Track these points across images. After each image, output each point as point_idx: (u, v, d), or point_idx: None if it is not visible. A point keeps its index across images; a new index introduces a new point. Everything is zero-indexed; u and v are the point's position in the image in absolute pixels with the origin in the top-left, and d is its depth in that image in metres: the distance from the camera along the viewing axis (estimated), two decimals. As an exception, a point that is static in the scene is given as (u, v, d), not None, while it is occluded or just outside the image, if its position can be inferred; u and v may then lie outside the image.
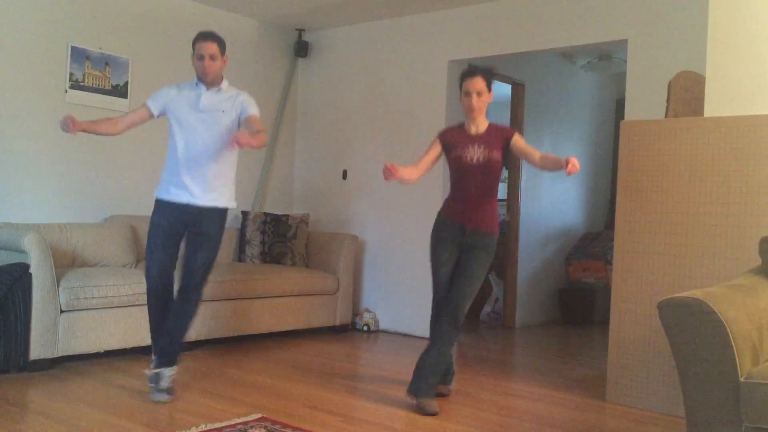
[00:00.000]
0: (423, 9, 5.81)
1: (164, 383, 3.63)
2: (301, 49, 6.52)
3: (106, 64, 5.24)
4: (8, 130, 4.79)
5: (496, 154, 3.75)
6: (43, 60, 4.92)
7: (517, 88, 6.61)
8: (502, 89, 6.96)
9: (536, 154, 3.73)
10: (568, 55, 6.89)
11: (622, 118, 4.74)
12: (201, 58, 3.74)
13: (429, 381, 3.69)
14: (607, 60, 6.83)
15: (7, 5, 4.77)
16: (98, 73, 5.20)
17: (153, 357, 3.74)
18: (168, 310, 3.78)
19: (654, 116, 4.35)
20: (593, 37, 5.06)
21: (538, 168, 3.78)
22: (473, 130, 3.82)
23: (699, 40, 4.07)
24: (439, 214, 3.92)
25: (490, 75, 3.84)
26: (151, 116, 3.84)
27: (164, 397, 3.61)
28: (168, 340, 3.73)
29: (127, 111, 3.85)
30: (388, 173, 3.59)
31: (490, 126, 3.85)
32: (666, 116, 4.00)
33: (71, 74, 5.05)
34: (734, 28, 3.68)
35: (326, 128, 6.54)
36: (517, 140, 3.80)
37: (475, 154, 3.77)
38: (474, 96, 3.76)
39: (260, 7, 5.95)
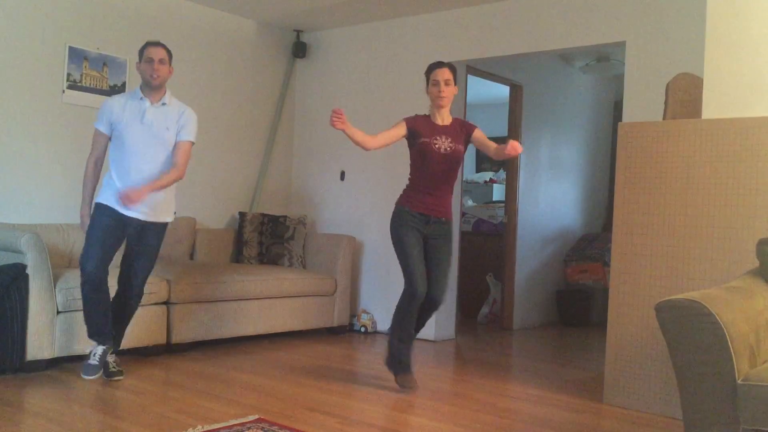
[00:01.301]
0: (421, 11, 5.81)
1: (97, 360, 3.83)
2: (299, 50, 6.52)
3: (104, 64, 5.23)
4: (5, 131, 4.79)
5: (460, 146, 3.97)
6: (40, 60, 4.92)
7: (516, 90, 6.61)
8: (501, 91, 6.98)
9: (492, 145, 3.96)
10: (566, 56, 6.90)
11: (620, 119, 4.74)
12: (149, 61, 3.84)
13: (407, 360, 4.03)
14: (605, 62, 6.83)
15: (5, 5, 4.76)
16: (96, 73, 5.19)
17: (95, 341, 3.90)
18: (105, 301, 3.91)
19: (652, 118, 4.35)
20: (591, 39, 5.06)
21: (493, 157, 3.99)
22: (439, 121, 4.01)
23: (697, 42, 4.08)
24: (401, 206, 4.03)
25: (455, 69, 4.05)
26: (107, 138, 3.93)
27: (95, 373, 3.81)
28: (117, 331, 4.04)
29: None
30: (337, 118, 3.71)
31: (455, 120, 4.05)
32: (664, 118, 4.01)
33: (69, 74, 5.04)
34: (732, 30, 3.68)
35: (324, 129, 6.53)
36: (478, 133, 4.03)
37: (443, 144, 3.93)
38: (442, 84, 3.95)
39: (258, 8, 5.94)
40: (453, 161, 3.96)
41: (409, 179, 4.08)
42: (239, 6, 5.89)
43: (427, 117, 4.06)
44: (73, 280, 4.28)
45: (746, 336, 2.40)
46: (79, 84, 5.09)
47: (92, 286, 3.83)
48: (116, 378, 3.96)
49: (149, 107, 3.86)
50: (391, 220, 4.06)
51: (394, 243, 4.03)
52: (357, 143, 3.93)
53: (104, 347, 3.88)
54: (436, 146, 3.92)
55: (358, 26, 6.28)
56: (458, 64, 5.81)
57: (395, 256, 6.07)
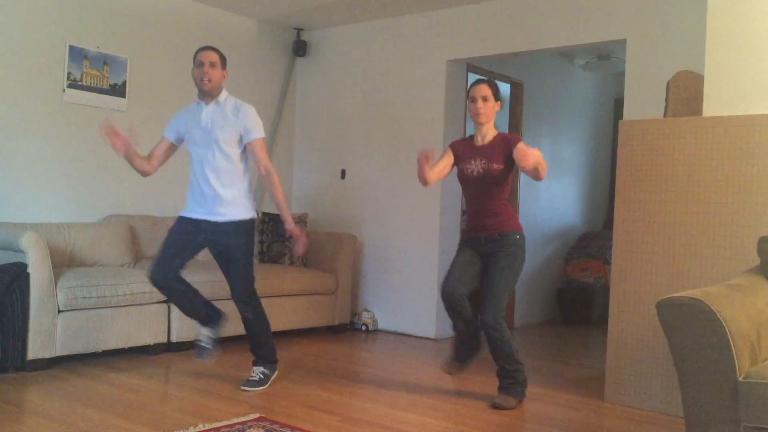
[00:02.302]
0: (422, 8, 5.80)
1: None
2: (300, 48, 6.51)
3: (105, 63, 5.23)
4: (6, 130, 4.78)
5: (497, 165, 3.73)
6: (41, 59, 4.92)
7: (516, 88, 6.61)
8: (501, 88, 6.95)
9: None
10: (566, 54, 6.89)
11: (621, 117, 4.74)
12: (200, 64, 3.78)
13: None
14: (605, 59, 6.83)
15: (6, 4, 4.76)
16: (96, 72, 5.19)
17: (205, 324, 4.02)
18: (181, 295, 3.96)
19: (652, 116, 4.35)
20: (592, 37, 5.06)
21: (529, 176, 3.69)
22: (479, 140, 3.85)
23: (698, 39, 4.07)
24: (462, 233, 3.99)
25: (496, 85, 3.90)
26: (171, 145, 3.95)
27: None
28: (253, 347, 4.13)
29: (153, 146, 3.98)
30: (424, 160, 3.63)
31: (497, 136, 3.84)
32: (665, 116, 4.00)
33: (69, 73, 5.04)
34: (733, 27, 3.68)
35: (325, 128, 6.54)
36: (519, 146, 3.64)
37: (475, 167, 3.80)
38: (479, 101, 3.78)
39: (258, 7, 5.94)
40: (485, 182, 3.77)
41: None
42: (240, 4, 5.89)
43: (470, 139, 3.92)
44: (73, 279, 4.28)
45: (747, 333, 2.40)
46: (79, 83, 5.09)
47: (156, 285, 3.89)
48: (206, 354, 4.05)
49: (204, 109, 3.83)
50: None
51: None
52: (424, 180, 3.77)
53: (208, 327, 4.00)
54: (468, 170, 3.80)
55: (359, 24, 6.28)
56: (459, 63, 5.82)
57: (396, 254, 6.11)
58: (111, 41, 5.28)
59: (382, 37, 6.15)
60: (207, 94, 3.82)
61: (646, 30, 4.76)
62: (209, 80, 3.77)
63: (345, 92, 6.39)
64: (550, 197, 6.99)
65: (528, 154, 3.43)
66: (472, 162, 3.81)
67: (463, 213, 4.05)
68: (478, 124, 3.84)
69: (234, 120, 3.80)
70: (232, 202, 3.83)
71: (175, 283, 3.87)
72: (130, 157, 3.81)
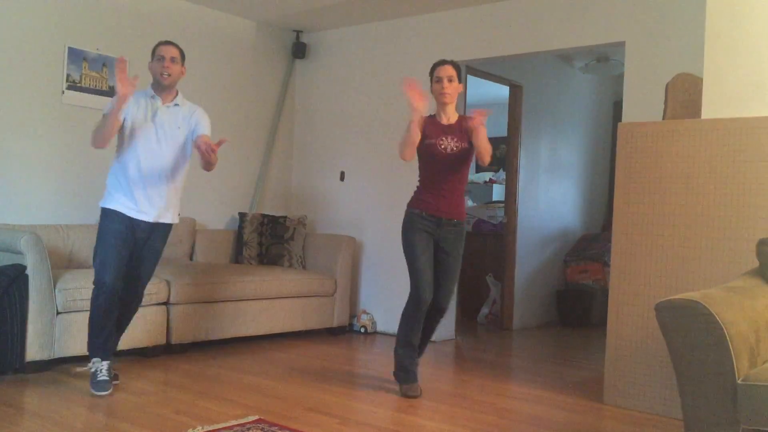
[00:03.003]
0: (421, 11, 5.80)
1: (106, 375, 3.73)
2: (299, 50, 6.52)
3: (104, 65, 5.23)
4: (5, 131, 4.78)
5: (466, 145, 3.88)
6: (40, 61, 4.92)
7: (515, 90, 6.61)
8: (500, 91, 6.97)
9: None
10: (566, 56, 6.90)
11: (620, 119, 4.74)
12: (160, 59, 3.78)
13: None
14: (604, 62, 6.83)
15: (5, 6, 4.76)
16: (95, 74, 5.19)
17: (99, 357, 3.74)
18: (115, 314, 3.82)
19: (652, 118, 4.35)
20: (591, 39, 5.06)
21: (478, 150, 3.81)
22: (444, 120, 3.94)
23: (697, 42, 4.07)
24: (412, 208, 3.99)
25: (459, 67, 3.99)
26: (121, 124, 3.75)
27: (108, 388, 3.70)
28: (115, 340, 3.96)
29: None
30: (412, 89, 3.68)
31: (460, 117, 3.97)
32: (664, 118, 4.01)
33: (68, 75, 5.04)
34: (732, 30, 3.68)
35: (324, 130, 6.54)
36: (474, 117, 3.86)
37: (448, 144, 3.87)
38: (445, 81, 3.89)
39: (258, 9, 5.94)
40: (460, 161, 3.89)
41: (419, 181, 4.02)
42: (239, 6, 5.89)
43: (432, 117, 3.98)
44: (72, 281, 4.28)
45: (746, 336, 2.40)
46: (78, 85, 5.09)
47: (108, 298, 3.71)
48: (115, 382, 3.85)
49: (161, 107, 3.80)
50: (403, 223, 4.00)
51: (403, 247, 3.97)
52: (406, 146, 3.83)
53: (108, 362, 3.75)
54: (442, 146, 3.86)
55: (358, 26, 6.28)
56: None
57: (395, 256, 6.09)
58: (110, 43, 5.28)
59: (381, 39, 6.15)
60: (164, 89, 3.81)
61: (645, 32, 4.77)
62: (169, 74, 3.77)
63: (344, 94, 6.39)
64: (549, 199, 6.99)
65: (477, 117, 3.65)
66: (444, 139, 3.87)
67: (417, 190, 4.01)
68: (443, 104, 3.93)
69: (188, 121, 3.84)
70: (169, 205, 3.85)
71: (116, 295, 3.76)
72: (118, 110, 3.62)
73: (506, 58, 5.62)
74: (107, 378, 3.71)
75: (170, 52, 3.79)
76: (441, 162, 3.88)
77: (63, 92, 5.02)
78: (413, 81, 3.71)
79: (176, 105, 3.85)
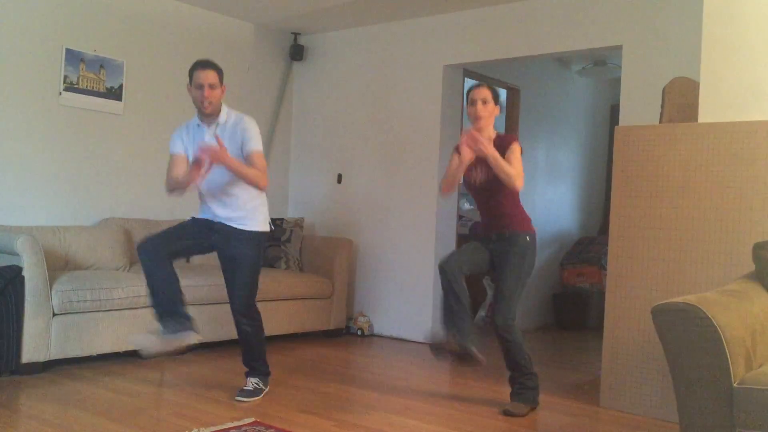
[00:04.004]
0: (418, 13, 5.81)
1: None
2: (297, 52, 6.52)
3: (101, 66, 5.23)
4: (2, 132, 4.78)
5: (494, 172, 3.70)
6: (37, 62, 4.91)
7: (513, 93, 6.62)
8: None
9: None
10: (563, 60, 6.91)
11: (617, 123, 4.75)
12: (200, 87, 3.59)
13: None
14: (601, 65, 6.85)
15: (2, 7, 4.76)
16: (93, 75, 5.19)
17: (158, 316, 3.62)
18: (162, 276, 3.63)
19: (648, 122, 4.36)
20: (588, 43, 5.07)
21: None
22: (468, 152, 3.74)
23: (693, 46, 4.08)
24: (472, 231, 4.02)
25: (496, 89, 3.85)
26: (186, 158, 3.71)
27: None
28: (246, 360, 3.95)
29: (169, 166, 3.77)
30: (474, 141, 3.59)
31: (496, 139, 3.79)
32: (660, 122, 4.01)
33: (66, 77, 5.03)
34: (728, 34, 3.69)
35: (321, 132, 6.54)
36: (510, 153, 3.71)
37: (477, 175, 3.80)
38: (479, 103, 3.74)
39: (256, 11, 5.94)
40: (488, 189, 3.78)
41: None
42: (237, 9, 5.89)
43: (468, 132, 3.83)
44: (68, 282, 4.27)
45: (742, 339, 2.41)
46: (75, 86, 5.09)
47: (142, 255, 3.59)
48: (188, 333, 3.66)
49: (206, 131, 3.67)
50: None
51: None
52: (445, 184, 3.81)
53: (167, 320, 3.57)
54: (472, 179, 3.80)
55: (356, 29, 6.28)
56: (455, 68, 5.82)
57: (392, 258, 6.10)
58: (108, 44, 5.27)
59: (379, 41, 6.15)
60: (208, 115, 3.67)
61: (642, 36, 4.78)
62: (210, 103, 3.60)
63: (342, 97, 6.39)
64: (545, 203, 7.00)
65: (470, 142, 3.57)
66: (474, 169, 3.79)
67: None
68: (477, 128, 3.76)
69: (234, 136, 3.67)
70: (246, 212, 3.76)
71: (165, 261, 3.63)
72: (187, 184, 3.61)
73: (504, 61, 5.63)
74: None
75: (208, 78, 3.60)
76: (473, 192, 3.89)
77: (60, 93, 5.02)
78: (477, 139, 3.59)
79: (218, 125, 3.68)
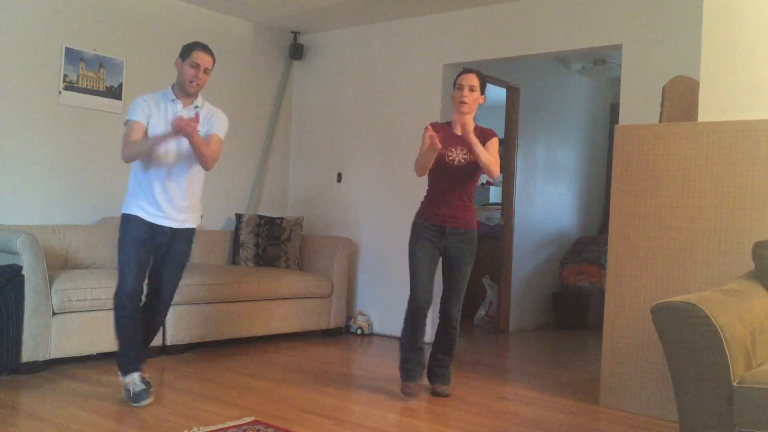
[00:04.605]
0: (418, 12, 5.81)
1: (142, 384, 3.62)
2: (296, 51, 6.52)
3: (101, 65, 5.23)
4: (1, 131, 4.77)
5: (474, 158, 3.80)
6: (37, 61, 4.91)
7: (512, 92, 6.62)
8: (497, 93, 6.97)
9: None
10: (562, 59, 6.91)
11: (617, 122, 4.75)
12: (195, 66, 3.62)
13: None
14: (601, 64, 6.84)
15: (2, 6, 4.75)
16: (92, 74, 5.19)
17: (134, 369, 3.65)
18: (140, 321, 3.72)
19: (648, 121, 4.36)
20: (588, 42, 5.07)
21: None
22: (459, 129, 3.85)
23: (693, 45, 4.09)
24: (418, 218, 3.97)
25: (484, 78, 3.89)
26: (146, 130, 3.64)
27: (148, 396, 3.59)
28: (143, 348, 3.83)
29: (128, 131, 3.64)
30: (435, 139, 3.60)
31: (477, 128, 3.86)
32: (660, 121, 4.01)
33: (65, 75, 5.03)
34: (728, 33, 3.69)
35: (321, 131, 6.54)
36: (489, 144, 3.84)
37: (457, 156, 3.82)
38: (466, 89, 3.80)
39: (255, 10, 5.94)
40: (466, 173, 3.83)
41: (427, 190, 3.99)
42: (236, 7, 5.89)
43: (447, 125, 3.93)
44: (68, 281, 4.27)
45: (742, 338, 2.41)
46: (75, 85, 5.09)
47: (132, 304, 3.63)
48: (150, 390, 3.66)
49: (181, 111, 3.67)
50: (410, 232, 3.99)
51: (408, 255, 3.95)
52: (421, 165, 3.81)
53: (139, 372, 3.63)
54: (450, 158, 3.80)
55: (355, 28, 6.28)
56: (455, 67, 5.81)
57: (392, 257, 6.09)
58: (107, 43, 5.27)
59: (379, 40, 6.15)
60: (188, 95, 3.70)
61: (642, 35, 4.78)
62: (198, 85, 3.66)
63: (341, 96, 6.39)
64: (545, 202, 7.00)
65: (464, 126, 3.63)
66: (453, 150, 3.81)
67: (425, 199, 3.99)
68: (461, 113, 3.83)
69: (206, 121, 3.72)
70: (189, 209, 3.77)
71: (138, 300, 3.67)
72: (163, 141, 3.58)
73: (503, 60, 5.63)
74: (144, 387, 3.59)
75: (206, 61, 3.65)
76: (448, 173, 3.83)
77: (60, 92, 5.01)
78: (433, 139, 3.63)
79: (196, 107, 3.73)
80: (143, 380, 3.62)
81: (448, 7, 5.63)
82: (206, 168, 3.71)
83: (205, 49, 3.70)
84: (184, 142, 3.62)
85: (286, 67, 6.61)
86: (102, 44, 5.24)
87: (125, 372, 3.64)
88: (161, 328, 3.90)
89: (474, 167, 3.81)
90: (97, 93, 5.21)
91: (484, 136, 3.85)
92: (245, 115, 6.28)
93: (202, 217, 4.02)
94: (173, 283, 3.84)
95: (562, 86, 7.18)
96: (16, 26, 4.82)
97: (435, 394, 4.02)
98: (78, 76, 5.10)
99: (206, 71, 3.67)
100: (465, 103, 3.80)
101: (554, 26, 5.19)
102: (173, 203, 3.70)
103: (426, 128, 3.75)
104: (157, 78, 5.52)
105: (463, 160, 3.81)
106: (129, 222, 3.68)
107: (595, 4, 5.00)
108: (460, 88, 3.81)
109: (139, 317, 3.68)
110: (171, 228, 3.72)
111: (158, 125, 3.64)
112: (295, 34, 6.55)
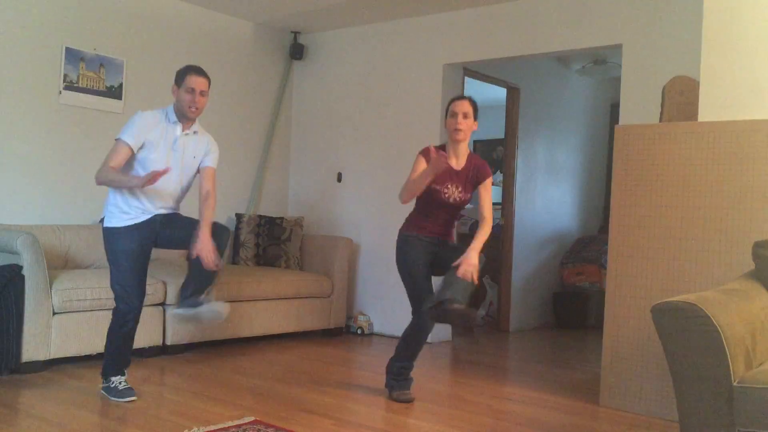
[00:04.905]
0: (418, 12, 5.81)
1: (125, 383, 3.70)
2: (297, 51, 6.52)
3: (101, 65, 5.23)
4: (2, 131, 4.77)
5: (468, 195, 3.84)
6: (37, 61, 4.91)
7: (512, 92, 6.62)
8: (497, 93, 6.98)
9: (483, 213, 3.83)
10: (563, 59, 6.90)
11: (617, 122, 4.75)
12: (191, 91, 3.58)
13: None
14: (601, 64, 6.84)
15: (2, 6, 4.75)
16: (93, 74, 5.19)
17: (119, 373, 3.72)
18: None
19: (648, 121, 4.36)
20: (588, 42, 5.07)
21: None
22: (454, 161, 3.79)
23: (693, 45, 4.09)
24: (407, 233, 3.87)
25: (476, 105, 3.83)
26: (132, 154, 3.55)
27: (133, 393, 3.65)
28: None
29: (109, 155, 3.57)
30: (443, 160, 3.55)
31: (470, 158, 3.83)
32: (660, 121, 4.01)
33: (65, 75, 5.03)
34: (728, 33, 3.69)
35: (321, 131, 6.54)
36: (483, 186, 3.84)
37: (452, 193, 3.78)
38: (460, 116, 3.74)
39: (255, 10, 5.94)
40: (459, 208, 3.87)
41: (416, 208, 3.91)
42: (237, 7, 5.89)
43: (441, 148, 3.84)
44: (68, 281, 4.27)
45: (742, 338, 2.41)
46: (75, 85, 5.09)
47: (134, 321, 3.67)
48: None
49: (181, 135, 3.63)
50: (397, 248, 3.90)
51: (399, 268, 3.87)
52: (408, 193, 3.75)
53: (123, 375, 3.73)
54: (446, 195, 3.77)
55: (356, 28, 6.28)
56: (455, 67, 5.82)
57: (392, 257, 6.07)
58: (107, 43, 5.27)
59: (379, 40, 6.15)
60: (188, 119, 3.66)
61: (642, 35, 4.78)
62: (197, 109, 3.62)
63: (341, 96, 6.39)
64: (545, 202, 7.00)
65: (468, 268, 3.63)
66: (449, 187, 3.77)
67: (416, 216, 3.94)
68: (455, 141, 3.78)
69: (200, 145, 3.71)
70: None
71: (139, 314, 3.70)
72: (135, 185, 3.52)
73: (503, 60, 5.63)
74: (128, 386, 3.67)
75: (201, 84, 3.61)
76: (441, 208, 3.82)
77: (60, 92, 5.01)
78: (443, 158, 3.56)
79: (195, 133, 3.71)
80: (127, 383, 3.70)
81: (448, 7, 5.63)
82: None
83: (198, 71, 3.66)
84: (175, 162, 3.62)
85: (287, 66, 6.61)
86: (102, 44, 5.24)
87: (107, 376, 3.70)
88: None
89: (465, 203, 3.86)
90: (98, 93, 5.21)
91: (478, 173, 3.82)
92: (245, 115, 6.28)
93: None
94: (192, 227, 3.61)
95: (563, 86, 7.18)
96: (16, 26, 4.82)
97: (401, 400, 3.90)
98: (78, 76, 5.10)
99: (203, 93, 3.63)
100: (460, 130, 3.75)
101: (554, 26, 5.19)
102: (159, 204, 3.68)
103: (420, 152, 3.74)
104: (157, 78, 5.53)
105: (458, 199, 3.79)
106: (115, 235, 3.59)
107: (596, 4, 5.00)
108: (454, 115, 3.75)
109: (135, 330, 3.72)
110: (161, 214, 3.67)
111: (156, 146, 3.58)
112: (296, 33, 6.55)
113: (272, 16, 6.11)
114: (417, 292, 3.80)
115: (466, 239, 4.09)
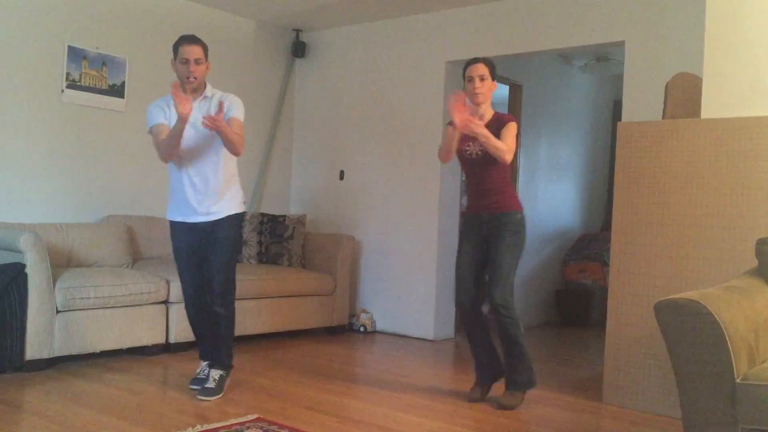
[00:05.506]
0: (420, 10, 5.80)
1: (209, 384, 3.74)
2: (299, 49, 6.52)
3: (103, 63, 5.23)
4: (4, 130, 4.78)
5: None
6: (40, 59, 4.91)
7: (515, 89, 6.61)
8: (500, 90, 6.95)
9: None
10: (565, 56, 6.89)
11: (620, 119, 4.74)
12: (185, 62, 3.60)
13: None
14: (604, 61, 6.83)
15: (4, 5, 4.76)
16: (95, 72, 5.19)
17: (202, 358, 4.01)
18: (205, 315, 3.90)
19: (651, 118, 4.35)
20: (591, 39, 5.06)
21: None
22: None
23: (696, 42, 4.08)
24: (464, 212, 4.02)
25: (492, 63, 3.83)
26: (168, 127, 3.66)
27: (209, 396, 3.69)
28: (213, 347, 3.92)
29: (156, 132, 3.67)
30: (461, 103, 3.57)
31: (494, 116, 3.82)
32: (663, 118, 4.01)
33: (68, 74, 5.04)
34: (731, 30, 3.68)
35: (323, 129, 6.54)
36: (505, 130, 3.73)
37: (473, 149, 3.79)
38: (477, 80, 3.75)
39: (257, 8, 5.94)
40: (484, 164, 3.76)
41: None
42: (239, 5, 5.89)
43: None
44: (72, 279, 4.28)
45: (745, 335, 2.40)
46: (78, 83, 5.09)
47: (194, 306, 3.89)
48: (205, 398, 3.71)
49: (192, 103, 3.60)
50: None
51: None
52: (442, 152, 3.84)
53: (206, 362, 3.95)
54: (468, 152, 3.79)
55: (358, 26, 6.28)
56: (457, 64, 5.81)
57: (394, 255, 6.10)
58: (110, 42, 5.27)
59: (381, 38, 6.15)
60: (191, 90, 3.67)
61: (645, 32, 4.77)
62: (195, 78, 3.63)
63: (344, 93, 6.39)
64: (548, 199, 6.99)
65: (465, 122, 3.55)
66: (470, 144, 3.78)
67: (464, 193, 4.00)
68: (476, 104, 3.79)
69: (213, 111, 3.66)
70: (223, 198, 3.77)
71: (198, 300, 3.87)
72: (182, 129, 3.52)
73: (506, 57, 5.62)
74: (201, 377, 3.89)
75: (194, 53, 3.60)
76: (468, 165, 3.85)
77: (63, 91, 5.02)
78: (459, 96, 3.60)
79: (205, 98, 3.71)
80: (203, 372, 3.91)
81: (450, 4, 5.62)
82: (237, 153, 3.73)
83: (189, 40, 3.64)
84: (198, 136, 3.65)
85: (289, 64, 6.61)
86: (105, 42, 5.24)
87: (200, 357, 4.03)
88: (223, 322, 3.87)
89: (490, 156, 3.71)
90: (100, 91, 5.21)
91: (499, 122, 3.78)
92: (248, 113, 6.18)
93: (245, 202, 4.04)
94: (217, 267, 3.75)
95: (565, 83, 7.17)
96: (18, 25, 4.83)
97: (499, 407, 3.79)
98: (81, 75, 5.11)
99: (197, 61, 3.61)
100: (478, 93, 3.76)
101: (557, 23, 5.18)
102: (205, 197, 3.72)
103: (448, 124, 3.76)
104: (159, 76, 5.53)
105: (479, 153, 3.75)
106: (172, 230, 3.85)
107: (598, 1, 4.99)
108: (471, 80, 3.76)
109: (203, 314, 3.87)
110: (207, 221, 3.75)
111: (172, 123, 3.65)
112: (298, 31, 6.55)
113: (274, 14, 6.11)
114: (456, 279, 3.97)
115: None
